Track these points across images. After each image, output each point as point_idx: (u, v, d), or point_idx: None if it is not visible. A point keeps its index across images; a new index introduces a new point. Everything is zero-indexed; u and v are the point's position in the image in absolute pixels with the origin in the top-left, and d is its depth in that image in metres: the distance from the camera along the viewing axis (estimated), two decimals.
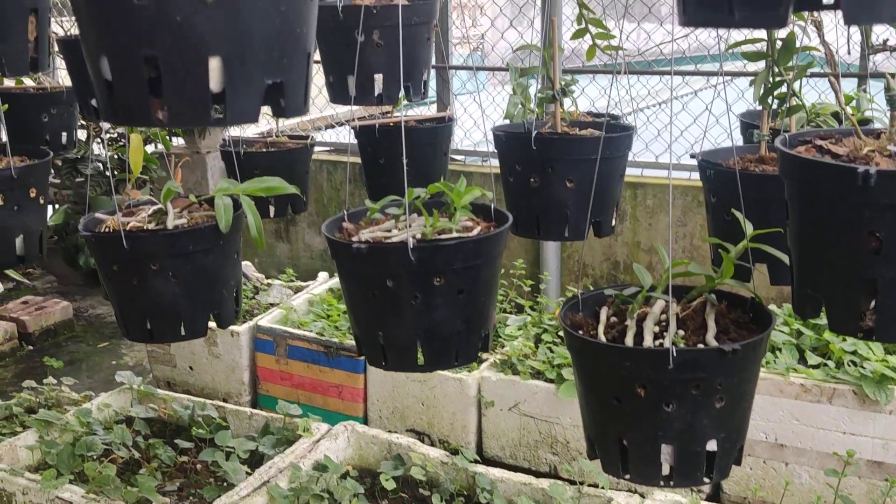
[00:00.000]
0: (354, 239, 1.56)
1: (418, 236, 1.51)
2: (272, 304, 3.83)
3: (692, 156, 1.85)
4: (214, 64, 1.02)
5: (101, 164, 4.49)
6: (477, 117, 4.39)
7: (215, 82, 1.03)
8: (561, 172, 1.86)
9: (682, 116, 3.97)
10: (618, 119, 2.23)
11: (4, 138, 2.14)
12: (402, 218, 1.59)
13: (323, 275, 4.13)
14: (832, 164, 1.16)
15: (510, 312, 3.68)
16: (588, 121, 2.19)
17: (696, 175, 3.22)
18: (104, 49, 1.04)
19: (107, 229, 1.77)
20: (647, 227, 4.00)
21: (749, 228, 1.46)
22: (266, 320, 3.60)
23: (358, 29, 1.93)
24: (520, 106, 2.19)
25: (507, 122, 2.22)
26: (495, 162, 2.06)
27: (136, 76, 1.02)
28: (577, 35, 3.36)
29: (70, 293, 4.99)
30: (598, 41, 3.45)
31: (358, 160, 2.64)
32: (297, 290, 3.98)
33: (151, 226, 1.77)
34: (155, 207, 1.82)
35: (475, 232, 1.57)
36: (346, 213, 1.66)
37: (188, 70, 1.01)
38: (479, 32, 6.84)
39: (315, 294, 3.86)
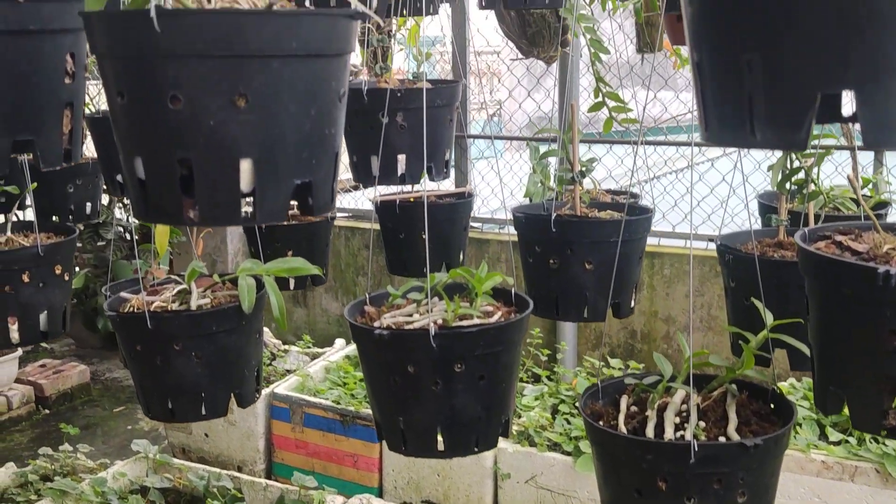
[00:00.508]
0: (376, 324, 1.58)
1: (440, 322, 1.52)
2: (289, 371, 3.83)
3: (710, 239, 1.86)
4: (245, 166, 1.05)
5: (122, 229, 4.54)
6: (495, 185, 4.44)
7: (246, 183, 1.06)
8: (580, 254, 1.88)
9: (698, 186, 4.00)
10: (637, 198, 2.25)
11: (31, 215, 2.18)
12: (424, 303, 1.60)
13: (340, 342, 4.14)
14: (852, 263, 1.17)
15: (527, 382, 3.66)
16: (607, 200, 2.21)
17: (713, 245, 3.25)
18: (139, 150, 1.07)
19: (131, 309, 1.80)
20: (665, 297, 3.99)
21: (769, 318, 1.46)
22: (282, 388, 3.60)
23: (383, 111, 1.97)
24: (539, 184, 2.21)
25: (527, 200, 2.24)
26: (512, 230, 2.08)
27: (170, 177, 1.05)
28: (595, 108, 3.41)
29: (88, 356, 5.01)
30: (615, 114, 3.50)
31: (376, 225, 2.67)
32: (314, 356, 3.98)
33: (175, 305, 1.79)
34: (179, 287, 1.84)
35: (496, 317, 1.58)
36: (367, 296, 1.68)
37: (220, 172, 1.04)
38: (497, 99, 6.94)
39: (331, 361, 3.86)
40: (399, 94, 1.97)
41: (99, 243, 4.54)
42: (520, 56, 3.58)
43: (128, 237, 4.54)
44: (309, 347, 4.10)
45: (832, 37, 0.72)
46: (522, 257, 1.99)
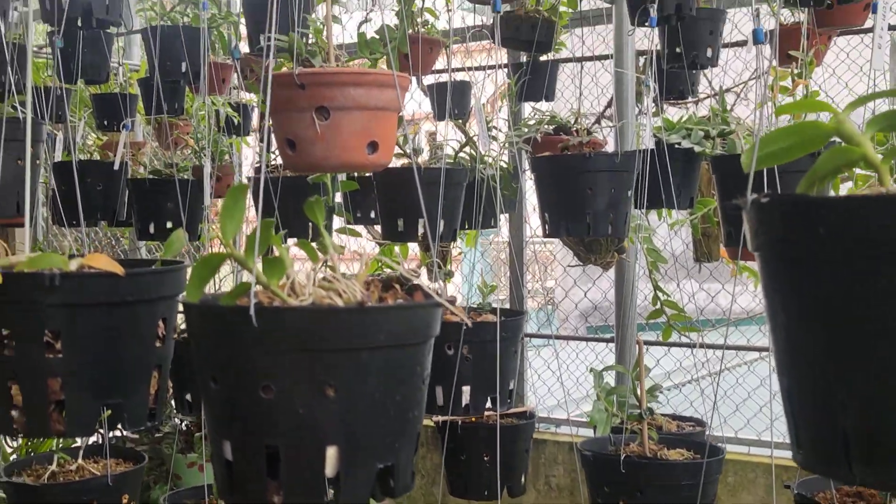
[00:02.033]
0: None
1: None
2: None
3: (786, 486, 1.81)
4: (331, 452, 1.07)
5: (179, 421, 4.57)
6: (551, 383, 4.41)
7: (331, 468, 1.07)
8: (650, 496, 1.84)
9: (748, 381, 3.94)
10: (704, 426, 2.22)
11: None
12: None
13: None
14: None
15: None
16: (674, 430, 2.18)
17: (778, 452, 3.14)
18: (228, 435, 1.09)
19: None
20: None
21: None
22: None
23: (449, 342, 2.01)
24: (604, 412, 2.20)
25: (592, 431, 2.22)
26: (566, 429, 2.05)
27: (256, 461, 1.07)
28: (653, 316, 3.43)
29: None
30: (674, 322, 3.50)
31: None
32: None
33: None
34: None
35: None
36: None
37: (306, 458, 1.06)
38: (549, 286, 7.01)
39: None
40: (466, 328, 2.00)
41: (156, 435, 4.56)
42: (577, 262, 3.64)
43: (184, 429, 4.56)
44: None
45: None
46: (591, 497, 1.96)
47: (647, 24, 2.25)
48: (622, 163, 2.20)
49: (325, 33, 2.17)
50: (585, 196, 2.18)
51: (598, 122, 3.87)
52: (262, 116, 4.66)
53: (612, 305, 5.27)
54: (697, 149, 2.75)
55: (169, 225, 2.78)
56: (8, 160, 1.99)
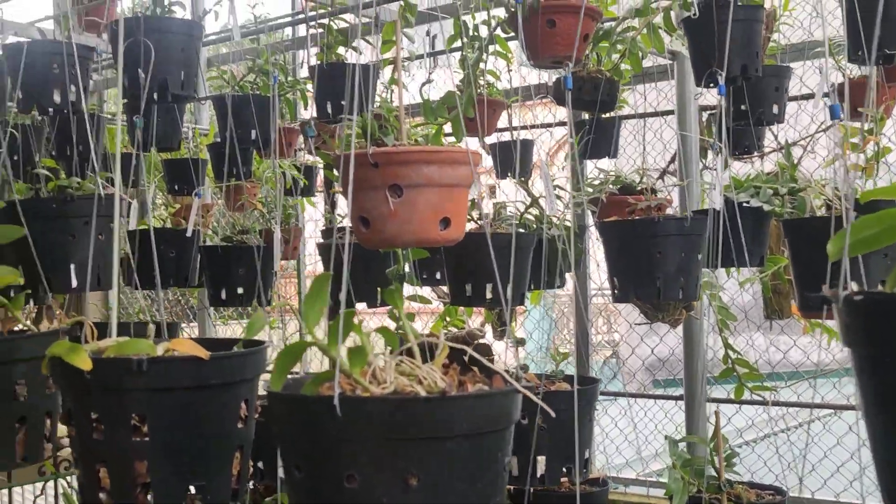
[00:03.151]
0: None
1: None
2: None
3: None
4: None
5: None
6: (619, 442, 4.35)
7: None
8: None
9: (824, 439, 3.83)
10: (783, 494, 2.16)
11: None
12: None
13: None
14: None
15: None
16: (753, 500, 2.13)
17: None
18: None
19: None
20: None
21: None
22: None
23: (523, 413, 2.00)
24: (680, 481, 2.16)
25: (663, 491, 2.18)
26: (635, 488, 2.00)
27: None
28: (724, 375, 3.37)
29: None
30: (746, 382, 3.43)
31: None
32: None
33: None
34: None
35: None
36: None
37: None
38: (613, 339, 6.93)
39: None
40: (537, 393, 1.99)
41: None
42: (644, 320, 3.60)
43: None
44: None
45: None
46: None
47: (713, 87, 2.24)
48: (692, 226, 2.18)
49: (393, 105, 2.21)
50: (655, 260, 2.17)
51: (661, 177, 3.85)
52: (327, 183, 4.74)
53: (679, 359, 5.19)
54: (767, 208, 2.72)
55: (240, 291, 2.83)
56: (90, 235, 2.06)
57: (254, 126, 3.21)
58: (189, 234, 2.86)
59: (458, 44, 3.43)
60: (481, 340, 3.25)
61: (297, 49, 4.07)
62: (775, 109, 2.99)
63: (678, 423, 4.10)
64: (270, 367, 1.18)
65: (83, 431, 1.31)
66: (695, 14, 2.41)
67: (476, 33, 3.40)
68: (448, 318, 3.44)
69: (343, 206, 4.64)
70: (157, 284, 2.26)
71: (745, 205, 2.70)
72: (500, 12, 3.23)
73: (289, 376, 1.17)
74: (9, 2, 3.44)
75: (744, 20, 2.44)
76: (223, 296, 2.82)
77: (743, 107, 2.95)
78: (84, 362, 1.25)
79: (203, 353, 1.29)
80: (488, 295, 2.45)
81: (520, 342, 2.15)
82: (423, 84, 3.54)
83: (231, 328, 5.75)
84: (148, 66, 2.38)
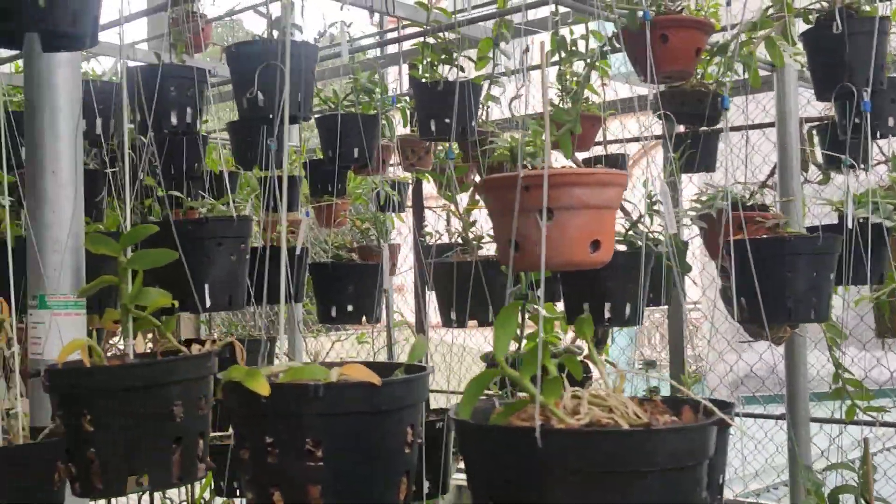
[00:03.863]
0: None
1: None
2: None
3: None
4: None
5: None
6: None
7: None
8: None
9: None
10: None
11: None
12: None
13: None
14: None
15: None
16: None
17: None
18: None
19: None
20: None
21: None
22: None
23: None
24: None
25: None
26: None
27: None
28: (834, 396, 3.28)
29: None
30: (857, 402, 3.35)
31: None
32: None
33: None
34: None
35: None
36: None
37: None
38: (698, 353, 6.82)
39: None
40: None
41: None
42: (748, 338, 3.53)
43: None
44: None
45: None
46: None
47: (859, 107, 2.19)
48: (824, 244, 2.13)
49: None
50: (785, 280, 2.12)
51: (760, 191, 3.78)
52: (415, 199, 4.76)
53: (759, 376, 5.09)
54: (888, 224, 2.65)
55: (349, 308, 2.85)
56: (223, 256, 2.09)
57: (357, 144, 3.24)
58: (298, 251, 2.89)
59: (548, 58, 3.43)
60: (579, 358, 3.23)
61: (386, 66, 4.09)
62: (891, 122, 2.91)
63: (779, 442, 4.02)
64: None
65: (257, 455, 1.32)
66: (822, 26, 2.36)
67: (574, 48, 3.39)
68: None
69: (432, 221, 4.66)
70: (282, 301, 2.28)
71: (861, 221, 2.64)
72: (594, 26, 3.22)
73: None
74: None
75: (870, 32, 2.38)
76: (333, 313, 2.85)
77: (857, 119, 2.88)
78: (262, 387, 1.26)
79: (375, 379, 1.30)
80: (607, 314, 2.42)
81: (649, 365, 2.11)
82: (512, 100, 3.55)
83: (320, 342, 5.81)
84: (274, 89, 2.42)
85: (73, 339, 1.54)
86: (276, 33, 2.60)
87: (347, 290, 2.85)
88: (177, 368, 1.58)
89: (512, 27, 3.38)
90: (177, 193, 2.37)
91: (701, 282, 4.92)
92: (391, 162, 4.10)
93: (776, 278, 2.13)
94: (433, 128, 3.07)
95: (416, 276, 3.35)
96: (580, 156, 3.69)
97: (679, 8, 2.68)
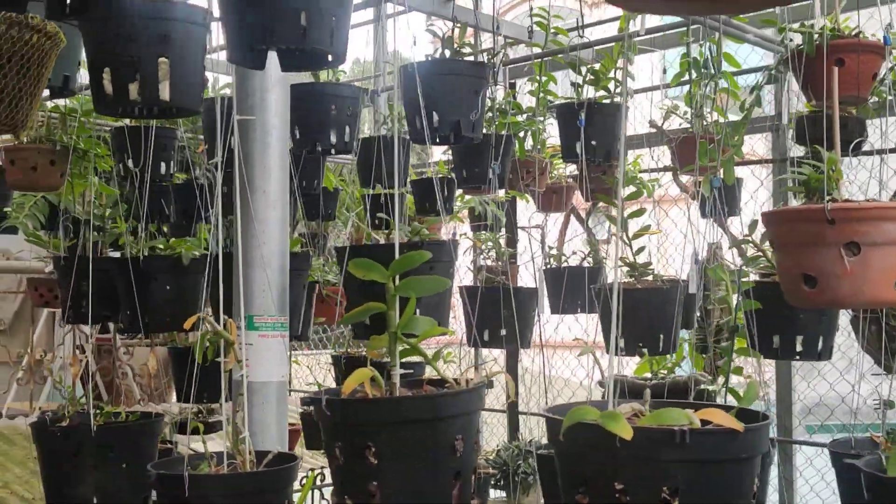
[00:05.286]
0: None
1: None
2: None
3: None
4: None
5: None
6: (805, 493, 4.18)
7: None
8: None
9: None
10: None
11: None
12: None
13: None
14: None
15: None
16: None
17: None
18: None
19: None
20: None
21: None
22: None
23: None
24: None
25: None
26: None
27: None
28: None
29: None
30: None
31: None
32: None
33: None
34: None
35: None
36: None
37: None
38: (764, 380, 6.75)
39: None
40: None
41: None
42: (879, 370, 3.46)
43: None
44: None
45: None
46: None
47: None
48: None
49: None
50: None
51: None
52: (509, 214, 4.67)
53: (826, 404, 4.99)
54: None
55: (503, 332, 2.78)
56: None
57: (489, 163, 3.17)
58: None
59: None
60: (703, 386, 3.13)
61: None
62: None
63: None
64: None
65: (604, 500, 1.25)
66: None
67: (706, 69, 3.34)
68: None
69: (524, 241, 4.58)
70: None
71: None
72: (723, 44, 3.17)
73: None
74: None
75: None
76: (486, 337, 2.78)
77: None
78: (625, 431, 1.19)
79: (738, 426, 1.22)
80: (798, 347, 2.37)
81: (888, 405, 2.05)
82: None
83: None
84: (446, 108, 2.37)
85: (359, 370, 1.46)
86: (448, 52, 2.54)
87: (499, 312, 2.78)
88: (457, 402, 1.51)
89: (636, 48, 3.34)
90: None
91: None
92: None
93: None
94: (578, 150, 3.01)
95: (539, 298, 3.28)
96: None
97: (856, 32, 2.63)
